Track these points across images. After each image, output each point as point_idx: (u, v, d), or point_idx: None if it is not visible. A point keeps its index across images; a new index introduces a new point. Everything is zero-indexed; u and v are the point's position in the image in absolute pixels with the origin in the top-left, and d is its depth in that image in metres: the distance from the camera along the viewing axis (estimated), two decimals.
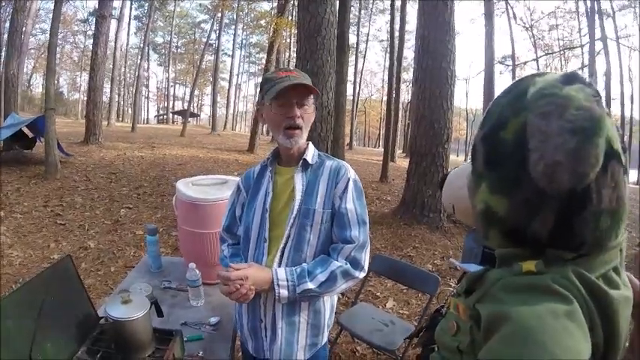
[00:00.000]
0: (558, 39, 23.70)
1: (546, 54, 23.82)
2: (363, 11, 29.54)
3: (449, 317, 0.70)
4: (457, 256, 4.82)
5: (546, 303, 0.50)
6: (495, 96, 0.63)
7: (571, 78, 0.56)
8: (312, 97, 1.28)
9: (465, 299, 0.65)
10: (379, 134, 38.30)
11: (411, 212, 5.91)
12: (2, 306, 1.05)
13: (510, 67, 22.20)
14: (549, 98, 0.53)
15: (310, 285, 1.19)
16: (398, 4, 13.84)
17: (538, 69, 25.17)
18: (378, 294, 3.70)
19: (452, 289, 3.79)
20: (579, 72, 0.58)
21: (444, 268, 4.47)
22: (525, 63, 23.43)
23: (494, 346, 0.50)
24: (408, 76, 22.54)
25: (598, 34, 12.39)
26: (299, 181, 1.28)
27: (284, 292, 1.19)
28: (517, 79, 0.62)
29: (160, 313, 1.43)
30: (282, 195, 1.31)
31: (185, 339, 1.42)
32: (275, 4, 19.22)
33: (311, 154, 1.33)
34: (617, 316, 0.54)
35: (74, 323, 1.28)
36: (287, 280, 1.19)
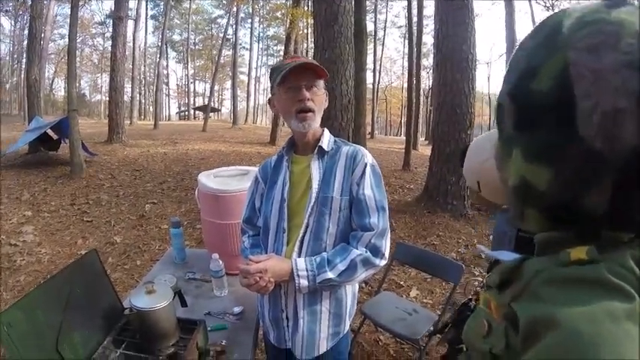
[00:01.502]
0: None
1: None
2: None
3: (479, 314, 0.57)
4: (483, 245, 4.74)
5: (603, 302, 0.38)
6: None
7: (617, 0, 0.43)
8: (321, 81, 1.26)
9: (497, 295, 0.53)
10: (401, 122, 37.81)
11: (435, 200, 5.84)
12: (31, 297, 1.09)
13: None
14: (595, 26, 0.41)
15: (330, 274, 1.18)
16: None
17: None
18: (402, 283, 3.67)
19: (479, 279, 3.72)
20: None
21: (468, 256, 4.39)
22: None
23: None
24: (428, 62, 22.13)
25: None
26: (316, 169, 1.27)
27: (304, 282, 1.18)
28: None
29: (183, 303, 1.45)
30: (299, 184, 1.29)
31: (209, 328, 1.43)
32: None
33: (327, 140, 1.31)
34: None
35: (100, 314, 1.30)
36: (307, 270, 1.18)
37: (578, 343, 0.36)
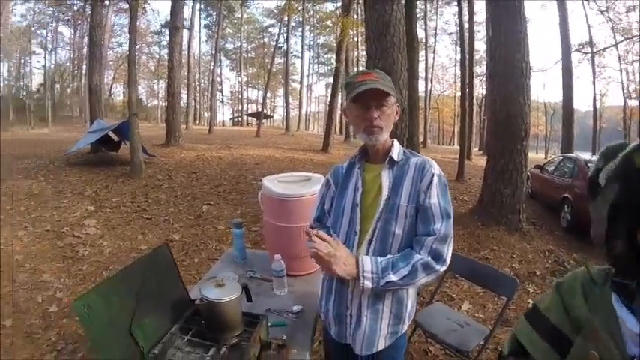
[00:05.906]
0: (638, 21, 20.94)
1: (625, 39, 20.90)
2: (429, 4, 28.40)
3: None
4: (535, 261, 4.58)
5: None
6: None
7: None
8: (390, 97, 1.32)
9: None
10: (453, 131, 36.71)
11: (489, 213, 5.67)
12: (109, 283, 1.21)
13: (589, 55, 20.20)
14: (625, 164, 0.67)
15: (393, 277, 1.22)
16: None
17: (618, 56, 22.46)
18: (454, 295, 3.62)
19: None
20: None
21: (522, 272, 4.25)
22: (604, 50, 21.02)
23: None
24: (481, 69, 21.55)
25: None
26: (386, 178, 1.34)
27: (368, 284, 1.23)
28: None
29: (249, 298, 1.53)
30: (371, 191, 1.37)
31: (269, 324, 1.50)
32: (339, 4, 19.28)
33: (397, 151, 1.38)
34: None
35: (169, 303, 1.40)
36: (372, 272, 1.23)
37: None
